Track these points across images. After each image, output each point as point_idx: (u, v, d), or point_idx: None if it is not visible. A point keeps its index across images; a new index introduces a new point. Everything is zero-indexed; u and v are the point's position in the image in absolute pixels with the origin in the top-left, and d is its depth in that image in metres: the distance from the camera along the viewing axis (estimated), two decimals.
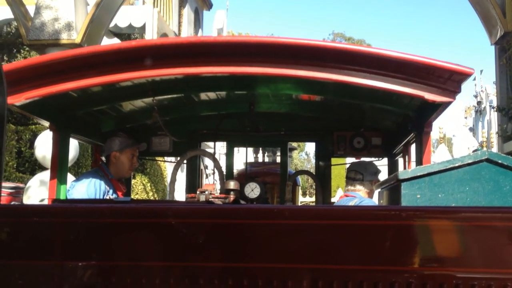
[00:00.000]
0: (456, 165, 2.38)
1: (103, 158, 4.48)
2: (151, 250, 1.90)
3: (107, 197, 4.08)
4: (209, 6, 23.13)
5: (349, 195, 4.33)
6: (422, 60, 2.93)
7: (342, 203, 4.31)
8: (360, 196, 4.25)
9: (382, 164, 5.28)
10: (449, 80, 2.94)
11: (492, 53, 11.95)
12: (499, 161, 2.37)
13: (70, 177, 4.87)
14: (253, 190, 4.33)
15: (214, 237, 1.87)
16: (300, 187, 8.61)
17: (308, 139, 6.77)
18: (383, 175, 4.50)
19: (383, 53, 2.98)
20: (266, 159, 8.84)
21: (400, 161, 4.79)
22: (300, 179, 8.65)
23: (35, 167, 10.60)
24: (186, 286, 1.86)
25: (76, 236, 1.97)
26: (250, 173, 5.86)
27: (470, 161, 2.38)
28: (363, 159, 5.10)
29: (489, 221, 1.83)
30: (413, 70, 2.97)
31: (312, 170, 6.10)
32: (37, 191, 8.10)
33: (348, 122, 4.89)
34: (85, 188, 4.00)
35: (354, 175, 4.39)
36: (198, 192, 3.77)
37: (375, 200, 4.45)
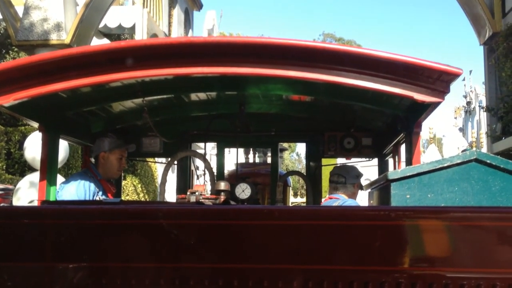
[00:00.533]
0: (445, 165, 2.38)
1: (92, 159, 4.47)
2: (141, 251, 1.89)
3: (97, 198, 4.06)
4: (199, 6, 23.08)
5: (332, 197, 4.37)
6: (411, 61, 2.94)
7: (326, 205, 4.33)
8: (343, 197, 4.28)
9: (372, 164, 5.31)
10: (438, 81, 2.95)
11: (481, 53, 12.03)
12: (488, 161, 2.38)
13: (60, 179, 4.85)
14: (243, 191, 4.33)
15: (205, 238, 1.86)
16: (291, 188, 8.60)
17: (298, 140, 6.78)
18: (373, 176, 4.52)
19: (372, 53, 2.99)
20: (257, 160, 8.82)
21: (390, 161, 4.81)
22: (291, 179, 8.64)
23: (25, 168, 10.53)
24: (177, 287, 1.85)
25: (65, 237, 1.95)
26: (241, 174, 5.84)
27: (459, 161, 2.39)
28: (353, 159, 5.12)
29: (478, 221, 1.84)
30: (403, 70, 2.98)
31: (303, 171, 6.09)
32: (27, 192, 8.05)
33: (338, 122, 4.90)
34: (74, 189, 3.98)
35: (337, 179, 4.42)
36: (188, 193, 3.76)
37: (363, 202, 4.47)
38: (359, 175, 4.49)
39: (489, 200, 2.33)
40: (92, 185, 4.08)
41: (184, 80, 3.56)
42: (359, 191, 4.46)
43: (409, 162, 3.47)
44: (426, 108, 3.13)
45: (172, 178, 5.84)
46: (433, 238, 1.83)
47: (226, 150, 6.13)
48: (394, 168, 4.51)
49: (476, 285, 1.73)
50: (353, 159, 5.13)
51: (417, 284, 1.74)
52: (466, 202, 2.32)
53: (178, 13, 19.91)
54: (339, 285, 1.76)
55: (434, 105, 3.04)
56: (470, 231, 1.82)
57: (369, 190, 3.31)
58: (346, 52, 3.12)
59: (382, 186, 2.68)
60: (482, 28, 11.21)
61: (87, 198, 3.95)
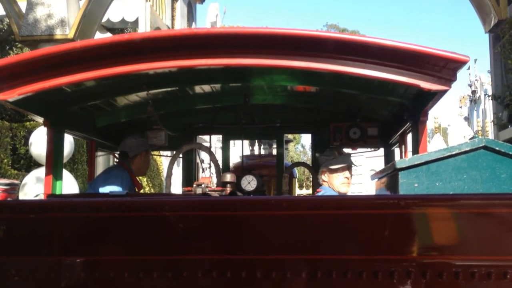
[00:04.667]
0: (453, 153, 2.36)
1: (117, 155, 4.59)
2: (148, 244, 1.89)
3: None
4: None
5: (319, 190, 4.33)
6: (417, 49, 2.92)
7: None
8: (326, 187, 4.24)
9: (378, 154, 5.28)
10: (445, 68, 2.93)
11: (486, 42, 11.95)
12: (496, 148, 2.36)
13: (65, 173, 4.85)
14: (249, 182, 4.32)
15: (211, 229, 1.85)
16: (296, 179, 8.59)
17: (304, 131, 6.76)
18: (379, 166, 4.48)
19: (377, 42, 2.96)
20: (262, 152, 8.80)
21: (397, 151, 4.79)
22: (297, 171, 8.62)
23: (31, 164, 10.54)
24: (184, 279, 1.85)
25: (72, 231, 1.95)
26: (247, 166, 5.83)
27: (467, 149, 2.37)
28: (359, 150, 5.10)
29: (487, 208, 1.82)
30: (409, 58, 2.95)
31: (309, 163, 6.08)
32: (33, 187, 8.07)
33: (344, 113, 4.88)
34: (119, 183, 4.16)
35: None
36: (194, 185, 3.75)
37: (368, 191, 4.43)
38: (328, 158, 4.29)
39: (498, 187, 2.31)
40: (130, 180, 4.24)
41: (188, 72, 3.55)
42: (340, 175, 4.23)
43: (416, 151, 3.45)
44: (432, 97, 3.11)
45: (178, 171, 5.84)
46: (442, 227, 1.81)
47: (231, 142, 6.12)
48: (401, 158, 4.49)
49: (487, 273, 1.72)
50: (359, 150, 5.11)
51: (427, 272, 1.73)
52: (474, 190, 2.30)
53: (181, 6, 19.81)
54: (348, 275, 1.75)
55: (441, 93, 3.02)
56: (479, 218, 1.80)
57: (376, 179, 3.30)
58: (351, 41, 3.09)
59: (390, 175, 2.66)
60: (487, 16, 11.12)
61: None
